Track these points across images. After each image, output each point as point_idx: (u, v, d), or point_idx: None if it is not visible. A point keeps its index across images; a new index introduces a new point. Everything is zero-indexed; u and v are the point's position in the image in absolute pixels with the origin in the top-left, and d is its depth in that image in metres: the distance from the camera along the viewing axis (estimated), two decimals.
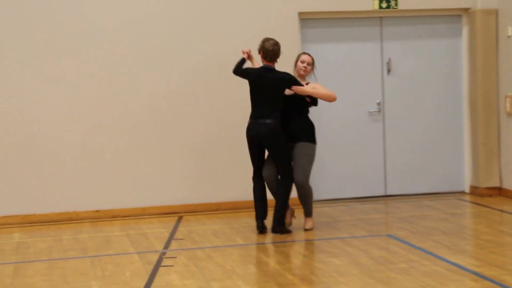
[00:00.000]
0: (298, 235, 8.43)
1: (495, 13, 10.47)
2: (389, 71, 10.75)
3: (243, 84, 8.69)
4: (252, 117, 8.46)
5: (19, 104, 9.63)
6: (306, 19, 10.43)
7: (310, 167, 8.52)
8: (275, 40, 8.49)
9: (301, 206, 8.68)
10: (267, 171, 8.49)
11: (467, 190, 10.89)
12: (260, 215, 8.50)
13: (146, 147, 9.96)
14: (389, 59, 10.72)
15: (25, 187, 9.70)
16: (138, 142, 9.95)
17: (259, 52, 8.50)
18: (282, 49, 9.75)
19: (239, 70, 8.64)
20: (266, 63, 8.48)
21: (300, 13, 10.29)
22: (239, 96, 9.50)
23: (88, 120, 9.83)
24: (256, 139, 8.39)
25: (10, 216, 9.66)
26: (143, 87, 9.91)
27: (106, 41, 9.83)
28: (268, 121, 8.31)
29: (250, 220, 9.10)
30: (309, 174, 8.50)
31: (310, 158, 8.49)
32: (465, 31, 10.79)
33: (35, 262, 7.60)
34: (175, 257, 7.48)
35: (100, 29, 9.81)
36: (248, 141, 8.51)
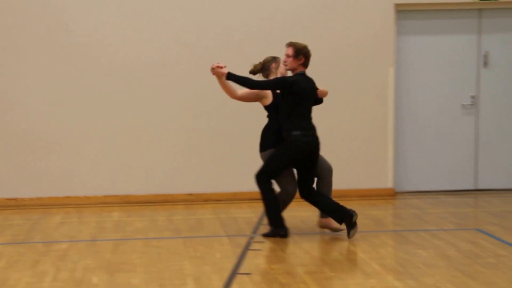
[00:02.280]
0: (385, 226, 8.46)
1: None
2: (486, 64, 10.62)
3: None
4: (304, 128, 7.71)
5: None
6: (402, 10, 10.41)
7: None
8: None
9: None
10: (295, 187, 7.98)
11: None
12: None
13: (235, 135, 10.13)
14: (486, 52, 10.60)
15: (124, 169, 10.02)
16: (229, 130, 10.12)
17: (300, 57, 7.73)
18: (376, 41, 9.86)
19: (280, 82, 7.73)
20: (303, 69, 7.79)
21: (396, 5, 10.27)
22: None
23: (184, 108, 10.09)
24: (307, 152, 7.72)
25: (111, 196, 10.02)
26: None
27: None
28: (316, 133, 7.85)
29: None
30: None
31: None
32: None
33: (132, 240, 7.87)
34: (263, 242, 7.62)
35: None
36: (295, 156, 7.72)
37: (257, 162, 10.08)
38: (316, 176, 7.95)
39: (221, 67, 7.70)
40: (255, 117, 10.10)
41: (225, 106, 9.90)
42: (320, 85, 10.21)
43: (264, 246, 7.45)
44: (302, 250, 7.29)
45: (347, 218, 7.66)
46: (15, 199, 9.87)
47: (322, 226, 8.03)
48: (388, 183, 10.36)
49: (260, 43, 10.02)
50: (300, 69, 7.78)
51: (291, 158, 7.74)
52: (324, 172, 7.94)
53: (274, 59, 7.98)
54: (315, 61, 9.97)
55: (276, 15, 10.13)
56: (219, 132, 10.14)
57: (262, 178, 7.80)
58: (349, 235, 7.65)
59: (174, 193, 10.10)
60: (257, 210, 9.34)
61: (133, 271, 6.61)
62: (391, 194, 10.32)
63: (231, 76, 7.67)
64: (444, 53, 10.56)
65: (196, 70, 10.00)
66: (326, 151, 9.70)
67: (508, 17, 10.59)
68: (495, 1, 10.35)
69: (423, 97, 10.55)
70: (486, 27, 10.59)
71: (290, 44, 7.79)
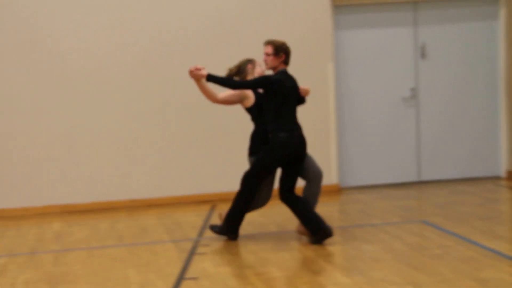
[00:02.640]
0: (332, 222, 8.47)
1: None
2: (423, 55, 10.72)
3: None
4: (289, 129, 7.47)
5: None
6: (339, 5, 10.43)
7: None
8: None
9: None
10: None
11: (503, 175, 10.84)
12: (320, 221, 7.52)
13: (179, 138, 10.04)
14: (423, 44, 10.69)
15: (63, 178, 9.87)
16: (171, 133, 10.04)
17: (280, 54, 7.45)
18: (314, 37, 9.86)
19: (264, 81, 7.44)
20: (284, 67, 7.54)
21: (333, 0, 10.31)
22: None
23: (124, 113, 9.97)
24: (293, 154, 7.49)
25: (50, 206, 9.85)
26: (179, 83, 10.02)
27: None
28: (302, 133, 7.65)
29: (283, 208, 9.16)
30: None
31: None
32: (502, 13, 10.69)
33: (74, 251, 7.73)
34: (209, 245, 7.56)
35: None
36: (282, 158, 7.46)
37: (202, 165, 10.10)
38: (305, 179, 7.71)
39: (200, 69, 7.42)
40: (194, 118, 10.05)
41: (163, 109, 9.85)
42: None
43: (210, 250, 7.40)
44: (249, 251, 7.28)
45: (322, 234, 7.37)
46: None
47: (301, 232, 7.74)
48: (333, 179, 10.38)
49: (201, 45, 9.97)
50: (281, 67, 7.51)
51: (278, 160, 7.48)
52: (312, 175, 7.66)
53: (250, 61, 7.83)
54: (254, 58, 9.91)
55: (214, 12, 10.06)
56: (159, 137, 10.03)
57: (248, 180, 7.58)
58: (312, 242, 7.45)
59: (116, 200, 9.98)
60: (202, 213, 9.32)
61: (76, 282, 6.50)
62: (336, 190, 10.36)
63: (211, 78, 7.40)
64: (382, 46, 10.64)
65: (133, 74, 9.90)
66: None
67: (442, 8, 10.71)
68: None
69: (364, 92, 10.60)
70: (422, 19, 10.70)
71: (269, 43, 7.50)
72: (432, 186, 10.50)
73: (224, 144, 10.18)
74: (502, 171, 10.85)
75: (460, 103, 10.78)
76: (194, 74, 7.45)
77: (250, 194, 7.61)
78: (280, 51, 7.45)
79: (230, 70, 7.85)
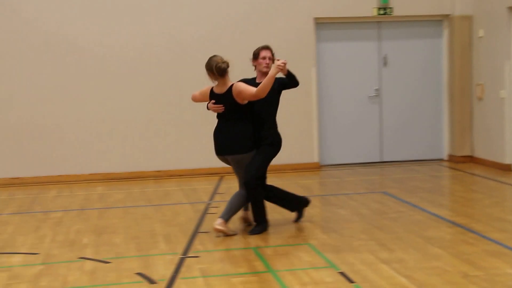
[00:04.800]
0: (313, 192, 8.50)
1: (469, 18, 10.38)
2: (385, 64, 10.73)
3: None
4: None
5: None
6: (320, 22, 10.43)
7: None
8: None
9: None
10: None
11: (445, 157, 10.88)
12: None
13: (194, 121, 10.01)
14: (385, 55, 10.71)
15: (105, 152, 9.86)
16: (187, 118, 10.00)
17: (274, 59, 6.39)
18: (301, 47, 9.83)
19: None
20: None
21: (315, 18, 10.29)
22: None
23: (155, 98, 9.95)
24: None
25: (95, 174, 9.86)
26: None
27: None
28: None
29: (277, 179, 9.20)
30: None
31: None
32: (445, 32, 10.70)
33: (113, 209, 7.78)
34: (218, 207, 7.57)
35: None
36: (277, 153, 6.56)
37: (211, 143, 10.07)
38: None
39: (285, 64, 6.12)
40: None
41: (181, 98, 9.80)
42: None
43: (219, 210, 7.41)
44: (249, 212, 7.27)
45: (303, 203, 6.78)
46: (18, 178, 9.64)
47: (245, 220, 6.70)
48: (314, 159, 10.40)
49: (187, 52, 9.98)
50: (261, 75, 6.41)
51: (274, 157, 6.51)
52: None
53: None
54: (250, 64, 9.87)
55: (210, 23, 10.00)
56: (180, 120, 10.02)
57: (255, 183, 6.25)
58: (297, 221, 6.75)
59: (146, 170, 9.99)
60: (213, 182, 9.33)
61: (115, 232, 6.54)
62: (317, 167, 10.37)
63: (290, 73, 6.25)
64: (354, 56, 10.61)
65: (158, 68, 9.89)
66: None
67: (401, 27, 10.70)
68: (390, 15, 10.46)
69: (339, 90, 10.60)
70: (385, 35, 10.69)
71: (268, 47, 6.43)
72: (391, 165, 10.51)
73: None
74: (445, 155, 10.88)
75: (413, 101, 10.77)
76: (282, 68, 6.08)
77: (261, 195, 6.40)
78: (273, 56, 6.51)
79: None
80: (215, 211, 7.33)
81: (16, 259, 5.67)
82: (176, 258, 5.52)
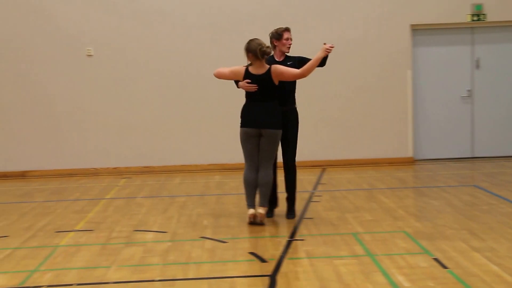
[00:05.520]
0: (408, 184, 8.33)
1: None
2: (477, 66, 10.31)
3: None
4: None
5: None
6: (417, 29, 10.18)
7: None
8: None
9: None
10: None
11: None
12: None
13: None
14: (478, 58, 10.28)
15: (223, 144, 9.98)
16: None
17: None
18: (399, 51, 9.65)
19: None
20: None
21: (412, 25, 10.06)
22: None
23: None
24: None
25: (213, 164, 10.08)
26: None
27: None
28: None
29: (374, 172, 9.10)
30: (244, 159, 6.21)
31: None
32: None
33: (229, 195, 7.92)
34: (321, 196, 7.59)
35: None
36: None
37: (314, 135, 10.08)
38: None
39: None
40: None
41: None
42: (356, 83, 10.18)
43: (321, 199, 7.43)
44: (348, 201, 7.25)
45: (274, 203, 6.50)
46: (148, 167, 10.07)
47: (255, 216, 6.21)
48: (409, 153, 10.18)
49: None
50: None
51: None
52: None
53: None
54: (357, 66, 9.81)
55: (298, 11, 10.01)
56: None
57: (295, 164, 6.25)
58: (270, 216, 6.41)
59: None
60: (316, 173, 9.34)
61: (231, 216, 6.65)
62: (411, 161, 10.14)
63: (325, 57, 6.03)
64: (447, 59, 10.28)
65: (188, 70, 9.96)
66: (366, 132, 9.64)
67: (494, 32, 10.24)
68: (483, 21, 10.03)
69: (433, 91, 10.31)
70: (478, 40, 10.27)
71: (289, 29, 6.22)
72: (482, 161, 10.12)
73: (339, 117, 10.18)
74: None
75: (505, 100, 10.30)
76: (328, 51, 5.92)
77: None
78: None
79: (270, 48, 6.05)
80: (317, 199, 7.35)
81: (149, 236, 5.94)
82: (283, 241, 5.59)
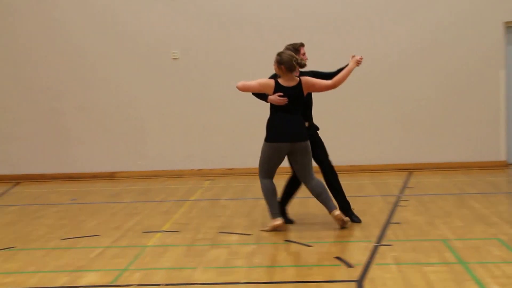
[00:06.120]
0: (501, 189, 8.00)
1: None
2: None
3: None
4: None
5: None
6: (510, 26, 9.77)
7: (261, 163, 6.18)
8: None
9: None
10: None
11: None
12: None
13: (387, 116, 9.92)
14: None
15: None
16: (382, 114, 9.93)
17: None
18: (489, 50, 9.34)
19: None
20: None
21: (505, 22, 9.67)
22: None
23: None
24: None
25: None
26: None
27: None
28: None
29: (464, 176, 8.81)
30: (261, 170, 6.19)
31: (261, 155, 6.18)
32: None
33: (312, 199, 7.83)
34: (408, 200, 7.44)
35: None
36: None
37: (402, 138, 9.86)
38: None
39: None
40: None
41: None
42: (445, 84, 9.88)
43: (408, 203, 7.28)
44: (438, 207, 7.06)
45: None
46: (232, 169, 10.22)
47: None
48: (502, 157, 9.79)
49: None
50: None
51: None
52: None
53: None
54: (446, 66, 9.55)
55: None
56: (376, 117, 9.94)
57: None
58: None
59: (340, 165, 9.96)
60: (402, 177, 9.16)
61: (315, 220, 6.63)
62: (504, 165, 9.75)
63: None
64: None
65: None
66: (455, 134, 9.34)
67: None
68: None
69: None
70: None
71: (304, 45, 6.21)
72: None
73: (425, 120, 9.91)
74: None
75: None
76: (359, 62, 6.06)
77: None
78: None
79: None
80: (404, 204, 7.20)
81: (234, 238, 6.02)
82: (370, 246, 5.51)
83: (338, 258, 5.18)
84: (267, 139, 6.00)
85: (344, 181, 8.96)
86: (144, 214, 7.22)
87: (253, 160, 9.96)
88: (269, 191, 6.08)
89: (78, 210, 7.63)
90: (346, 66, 6.03)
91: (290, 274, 4.84)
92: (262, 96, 6.05)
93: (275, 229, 6.08)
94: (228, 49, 10.03)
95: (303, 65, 5.92)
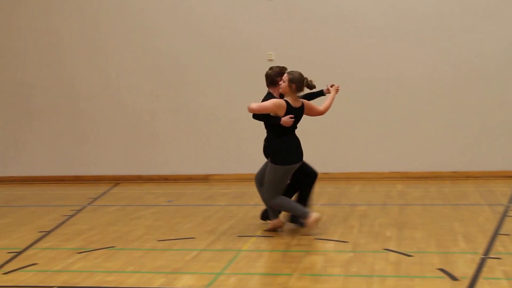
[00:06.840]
0: None
1: None
2: None
3: None
4: None
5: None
6: None
7: (271, 187, 6.20)
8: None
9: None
10: None
11: None
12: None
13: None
14: None
15: (404, 152, 9.74)
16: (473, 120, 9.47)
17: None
18: None
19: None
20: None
21: None
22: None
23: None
24: None
25: (394, 172, 9.79)
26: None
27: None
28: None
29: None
30: (270, 193, 6.23)
31: (268, 178, 6.24)
32: None
33: (412, 205, 7.63)
34: None
35: None
36: None
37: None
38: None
39: None
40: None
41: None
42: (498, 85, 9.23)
43: None
44: None
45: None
46: (327, 173, 10.07)
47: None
48: None
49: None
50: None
51: None
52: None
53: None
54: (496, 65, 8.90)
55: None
56: (470, 122, 9.50)
57: None
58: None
59: (442, 171, 9.67)
60: (510, 184, 8.66)
61: (415, 228, 6.41)
62: None
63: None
64: None
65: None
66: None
67: None
68: None
69: None
70: None
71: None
72: None
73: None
74: None
75: None
76: (338, 91, 6.41)
77: None
78: None
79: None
80: None
81: (330, 245, 5.90)
82: (477, 258, 5.22)
83: (441, 270, 4.94)
84: (280, 162, 6.10)
85: (446, 188, 8.70)
86: (238, 218, 7.26)
87: (349, 164, 9.88)
88: (285, 201, 6.21)
89: (174, 212, 7.79)
90: (319, 91, 6.35)
91: (389, 285, 4.67)
92: (263, 117, 6.14)
93: (316, 221, 6.14)
94: (323, 49, 9.91)
95: (313, 87, 6.07)
